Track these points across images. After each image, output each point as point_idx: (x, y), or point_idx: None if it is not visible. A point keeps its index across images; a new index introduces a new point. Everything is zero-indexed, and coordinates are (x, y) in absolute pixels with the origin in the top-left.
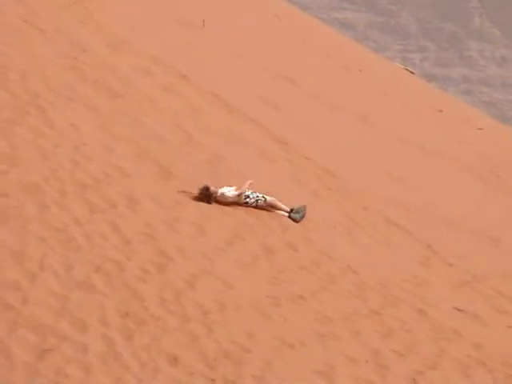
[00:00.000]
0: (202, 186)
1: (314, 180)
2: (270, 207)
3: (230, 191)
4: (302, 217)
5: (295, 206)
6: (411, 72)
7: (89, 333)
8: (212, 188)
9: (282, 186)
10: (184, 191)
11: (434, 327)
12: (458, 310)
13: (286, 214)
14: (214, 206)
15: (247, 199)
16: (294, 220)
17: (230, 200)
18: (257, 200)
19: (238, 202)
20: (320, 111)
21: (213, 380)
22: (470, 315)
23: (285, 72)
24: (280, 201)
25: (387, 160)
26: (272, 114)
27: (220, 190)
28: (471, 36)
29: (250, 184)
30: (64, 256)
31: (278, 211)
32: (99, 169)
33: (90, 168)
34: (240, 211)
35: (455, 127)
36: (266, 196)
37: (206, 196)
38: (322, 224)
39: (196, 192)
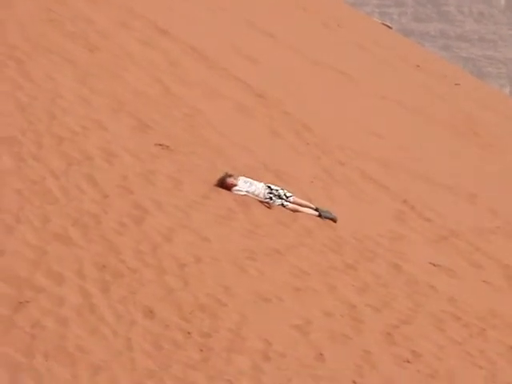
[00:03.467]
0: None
1: (291, 135)
2: (294, 209)
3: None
4: (332, 216)
5: (319, 208)
6: (389, 27)
7: (65, 285)
8: (229, 180)
9: (260, 140)
10: (161, 144)
11: (410, 282)
12: (434, 264)
13: (315, 213)
14: (189, 160)
15: (270, 195)
16: (331, 218)
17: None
18: (282, 202)
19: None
20: (298, 66)
21: (188, 333)
22: (446, 270)
23: (263, 26)
24: (258, 156)
25: (365, 115)
26: (251, 68)
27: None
28: None
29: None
30: (41, 208)
31: (304, 209)
32: (76, 121)
33: (66, 120)
34: None
35: (433, 83)
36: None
37: (222, 183)
38: (300, 178)
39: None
